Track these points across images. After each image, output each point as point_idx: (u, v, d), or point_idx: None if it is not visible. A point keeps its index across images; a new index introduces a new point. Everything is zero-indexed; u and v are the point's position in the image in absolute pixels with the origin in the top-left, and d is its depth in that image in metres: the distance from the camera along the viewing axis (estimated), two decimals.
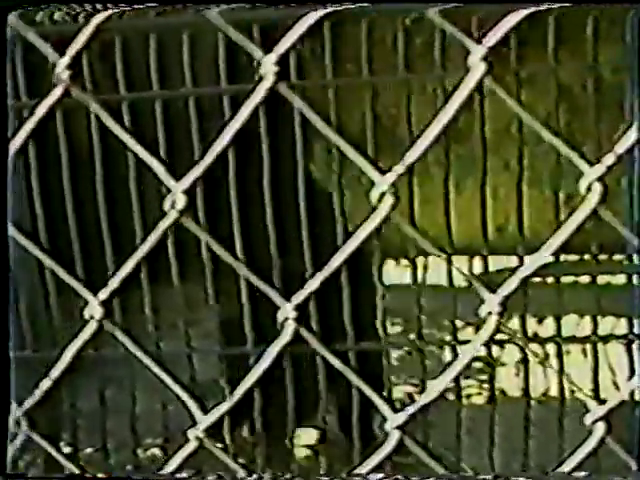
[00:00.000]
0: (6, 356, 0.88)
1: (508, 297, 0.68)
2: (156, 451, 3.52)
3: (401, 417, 0.72)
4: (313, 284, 0.71)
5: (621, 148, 0.65)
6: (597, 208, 0.65)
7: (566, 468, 0.70)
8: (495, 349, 3.26)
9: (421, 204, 2.85)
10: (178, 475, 0.80)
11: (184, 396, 0.75)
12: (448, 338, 3.23)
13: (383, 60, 2.98)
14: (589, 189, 0.66)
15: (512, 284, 0.68)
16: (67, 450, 3.18)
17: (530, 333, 3.58)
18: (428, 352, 3.34)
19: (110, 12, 0.72)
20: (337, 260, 0.70)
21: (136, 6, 0.84)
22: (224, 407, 0.75)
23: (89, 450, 3.51)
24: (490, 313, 0.69)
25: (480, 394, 3.92)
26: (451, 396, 3.32)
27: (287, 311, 0.72)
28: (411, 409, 0.71)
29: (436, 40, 2.82)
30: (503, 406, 3.29)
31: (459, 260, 3.47)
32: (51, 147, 2.72)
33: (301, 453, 3.58)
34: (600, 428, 0.71)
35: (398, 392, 3.67)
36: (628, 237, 0.72)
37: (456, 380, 3.13)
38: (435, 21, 0.63)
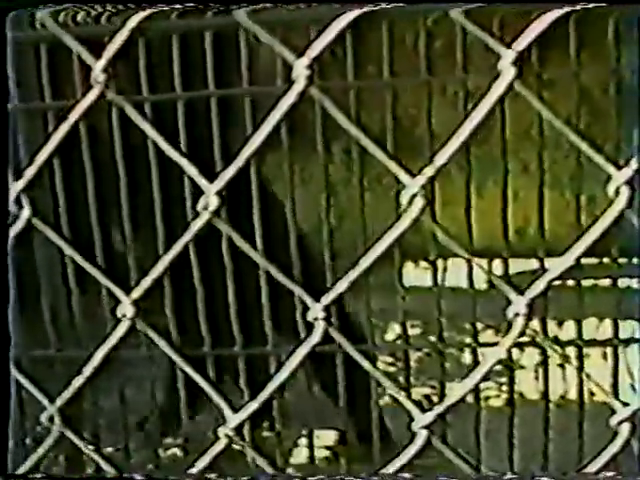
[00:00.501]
0: (6, 356, 0.89)
1: (535, 299, 0.69)
2: (177, 451, 3.53)
3: (428, 417, 0.72)
4: (342, 285, 0.72)
5: None
6: (624, 212, 0.66)
7: (592, 469, 0.71)
8: (515, 352, 3.26)
9: (442, 206, 2.85)
10: (201, 475, 0.81)
11: (213, 395, 0.75)
12: (468, 340, 3.23)
13: (404, 62, 2.98)
14: (617, 193, 0.67)
15: (539, 286, 0.69)
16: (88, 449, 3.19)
17: (550, 336, 3.57)
18: (448, 354, 3.34)
19: (143, 14, 0.73)
20: (366, 261, 0.70)
21: (160, 6, 0.85)
22: (253, 406, 0.76)
23: (110, 449, 3.53)
24: (517, 315, 0.70)
25: (499, 397, 3.92)
26: (470, 399, 3.32)
27: (316, 311, 0.73)
28: (438, 409, 0.72)
29: (458, 42, 2.82)
30: (522, 409, 3.28)
31: (479, 262, 3.47)
32: (78, 151, 2.74)
33: (321, 454, 3.59)
34: (625, 429, 0.71)
35: (416, 394, 3.67)
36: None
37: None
38: (460, 22, 0.64)
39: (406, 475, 0.76)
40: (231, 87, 2.88)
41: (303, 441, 3.55)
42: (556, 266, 0.69)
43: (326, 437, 3.68)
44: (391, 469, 0.73)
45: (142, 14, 0.71)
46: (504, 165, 3.13)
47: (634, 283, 3.88)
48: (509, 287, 0.70)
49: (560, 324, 4.35)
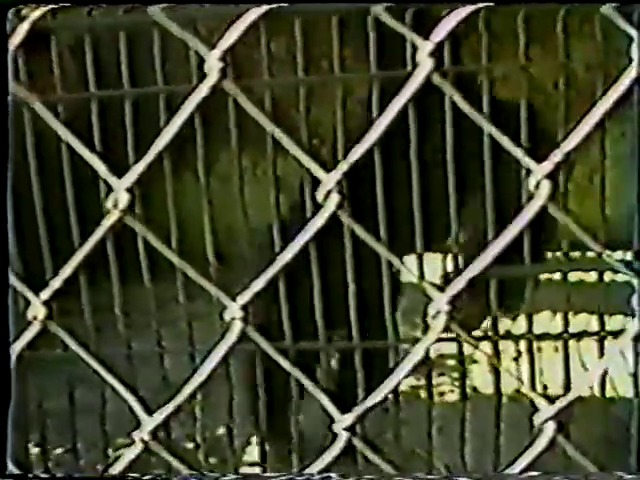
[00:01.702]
0: (6, 356, 0.86)
1: (456, 297, 0.68)
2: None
3: (349, 418, 0.71)
4: (260, 283, 0.70)
5: (568, 146, 0.64)
6: (546, 205, 0.65)
7: (515, 469, 0.69)
8: (467, 346, 3.25)
9: None
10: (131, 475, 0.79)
11: (128, 397, 0.73)
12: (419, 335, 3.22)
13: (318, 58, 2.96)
14: (537, 187, 0.65)
15: (459, 283, 0.67)
16: (35, 451, 3.15)
17: (503, 331, 3.58)
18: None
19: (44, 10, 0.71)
20: (285, 257, 0.69)
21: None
22: (169, 408, 0.74)
23: (59, 451, 3.49)
24: (439, 312, 0.68)
25: (452, 391, 3.92)
26: (423, 394, 3.31)
27: (233, 311, 0.71)
28: (359, 409, 0.70)
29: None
30: (475, 403, 3.29)
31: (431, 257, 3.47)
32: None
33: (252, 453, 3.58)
34: (550, 428, 0.70)
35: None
36: (581, 236, 0.71)
37: (428, 377, 3.12)
38: (381, 18, 0.62)
39: (333, 475, 0.75)
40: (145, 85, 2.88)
41: (254, 439, 3.53)
42: (477, 262, 0.68)
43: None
44: (314, 470, 0.71)
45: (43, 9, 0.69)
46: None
47: (585, 276, 3.91)
48: (430, 285, 0.68)
49: (514, 319, 4.36)
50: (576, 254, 3.29)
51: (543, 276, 3.86)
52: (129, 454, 0.76)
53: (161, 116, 2.76)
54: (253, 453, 3.54)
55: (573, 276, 3.29)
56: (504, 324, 3.77)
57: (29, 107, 0.69)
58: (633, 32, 0.72)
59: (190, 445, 3.39)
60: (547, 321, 4.22)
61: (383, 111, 0.62)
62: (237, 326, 0.71)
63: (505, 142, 0.65)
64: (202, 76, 0.67)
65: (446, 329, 0.68)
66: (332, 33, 2.76)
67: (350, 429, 0.70)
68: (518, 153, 0.65)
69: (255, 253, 3.06)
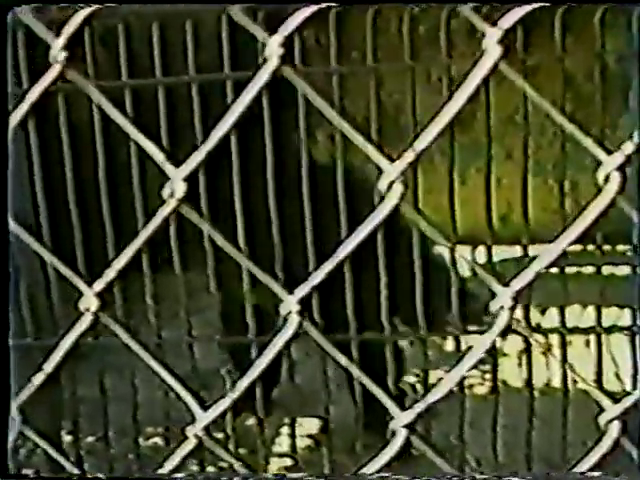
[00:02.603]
0: (6, 351, 0.85)
1: (521, 291, 0.66)
2: (158, 440, 3.50)
3: (409, 415, 0.69)
4: (317, 277, 0.68)
5: (637, 137, 0.62)
6: (616, 199, 0.62)
7: (581, 469, 0.67)
8: (498, 340, 3.23)
9: (425, 193, 2.81)
10: (176, 475, 0.78)
11: (182, 392, 0.72)
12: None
13: (389, 48, 2.95)
14: (607, 179, 0.63)
15: (526, 277, 0.65)
16: (68, 439, 3.16)
17: (533, 324, 3.55)
18: (430, 342, 3.32)
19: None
20: (342, 252, 0.67)
21: None
22: (225, 403, 0.72)
23: (90, 439, 3.49)
24: (502, 307, 0.66)
25: (482, 385, 3.90)
26: (454, 387, 3.28)
27: (290, 304, 0.70)
28: (419, 407, 0.68)
29: (442, 28, 2.79)
30: (506, 397, 3.26)
31: (462, 250, 3.44)
32: (52, 131, 2.69)
33: (303, 443, 3.57)
34: (615, 429, 0.68)
35: (402, 383, 3.64)
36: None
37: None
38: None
39: (387, 474, 0.73)
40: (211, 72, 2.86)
41: (285, 430, 3.53)
42: (543, 256, 0.66)
43: (309, 425, 3.66)
44: (372, 469, 0.69)
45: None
46: (487, 151, 3.09)
47: (617, 270, 3.86)
48: (493, 278, 0.66)
49: (543, 312, 4.33)
50: (607, 247, 3.25)
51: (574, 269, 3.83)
52: (182, 450, 0.75)
53: (194, 104, 2.76)
54: (283, 444, 3.54)
55: (606, 269, 3.25)
56: (535, 317, 3.75)
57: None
58: None
59: (220, 435, 3.39)
60: (578, 314, 4.19)
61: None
62: (294, 320, 0.69)
63: (573, 130, 0.63)
64: (262, 61, 0.66)
65: (509, 325, 0.67)
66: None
67: (409, 427, 0.69)
68: (588, 143, 0.63)
69: None
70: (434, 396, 0.68)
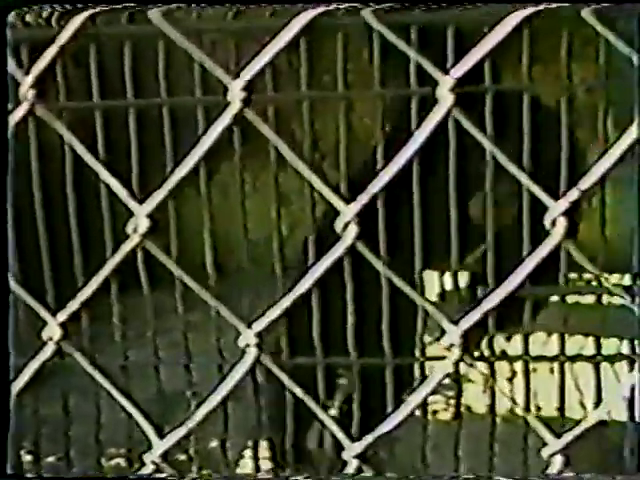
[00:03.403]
0: (6, 353, 0.87)
1: (470, 330, 0.68)
2: (121, 461, 3.49)
3: (360, 446, 0.71)
4: (275, 311, 0.70)
5: (585, 184, 0.65)
6: (563, 243, 0.65)
7: None
8: (463, 366, 3.25)
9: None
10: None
11: (140, 419, 0.73)
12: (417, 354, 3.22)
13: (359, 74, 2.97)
14: (554, 224, 0.66)
15: (474, 317, 0.68)
16: (28, 458, 3.15)
17: (498, 350, 3.58)
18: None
19: (77, 25, 0.71)
20: (302, 287, 0.69)
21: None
22: (182, 431, 0.74)
23: (51, 459, 3.48)
24: (452, 345, 0.69)
25: (446, 410, 3.92)
26: (417, 412, 3.31)
27: (248, 337, 0.72)
28: (370, 437, 0.71)
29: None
30: (469, 422, 3.29)
31: (429, 275, 3.48)
32: (22, 158, 2.68)
33: (265, 465, 3.58)
34: (558, 462, 0.70)
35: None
36: (592, 269, 0.71)
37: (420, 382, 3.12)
38: (400, 47, 0.63)
39: None
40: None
41: (248, 452, 3.53)
42: (492, 297, 0.68)
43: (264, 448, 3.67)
44: None
45: (76, 23, 0.69)
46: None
47: (582, 299, 3.90)
48: (442, 316, 0.68)
49: (508, 339, 4.36)
50: (573, 275, 3.29)
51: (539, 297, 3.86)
52: (141, 474, 0.76)
53: (165, 128, 2.77)
54: (246, 467, 3.54)
55: (570, 298, 3.29)
56: (499, 344, 3.78)
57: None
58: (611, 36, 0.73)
59: (183, 457, 3.39)
60: (542, 343, 4.22)
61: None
62: (252, 353, 0.71)
63: (523, 179, 0.65)
64: (225, 104, 0.68)
65: (458, 362, 0.69)
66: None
67: (360, 456, 0.71)
68: (536, 190, 0.65)
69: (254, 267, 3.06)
70: (386, 426, 0.71)
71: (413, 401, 0.70)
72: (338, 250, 0.67)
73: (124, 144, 2.73)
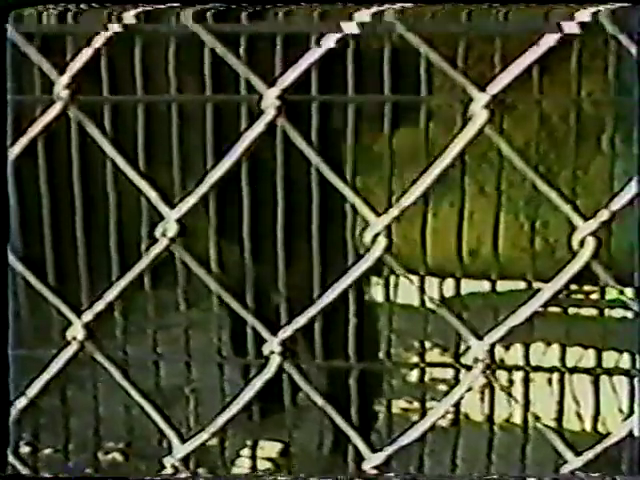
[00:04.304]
0: (5, 356, 0.87)
1: (494, 345, 0.68)
2: (117, 455, 3.49)
3: (379, 457, 0.71)
4: (301, 320, 0.70)
5: (616, 205, 0.65)
6: (590, 262, 0.65)
7: None
8: (462, 372, 3.26)
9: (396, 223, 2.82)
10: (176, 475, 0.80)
11: (162, 425, 0.74)
12: (415, 360, 3.23)
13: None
14: (582, 243, 0.66)
15: (499, 332, 0.68)
16: (26, 450, 3.14)
17: (497, 359, 3.58)
18: (395, 372, 3.35)
19: (112, 31, 0.72)
20: (327, 298, 0.69)
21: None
22: (203, 437, 0.74)
23: (49, 451, 3.48)
24: (477, 360, 0.69)
25: (444, 417, 3.92)
26: (415, 418, 3.31)
27: (272, 345, 0.72)
28: (390, 449, 0.71)
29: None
30: (466, 430, 3.29)
31: (431, 281, 3.48)
32: (46, 161, 2.68)
33: (263, 465, 3.58)
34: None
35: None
36: (615, 286, 0.71)
37: (422, 402, 3.13)
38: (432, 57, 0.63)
39: None
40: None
41: (246, 452, 3.53)
42: (518, 313, 0.68)
43: (270, 448, 3.67)
44: None
45: (110, 31, 0.69)
46: (460, 186, 3.12)
47: (583, 311, 3.91)
48: (469, 331, 0.69)
49: (507, 348, 4.37)
50: (574, 287, 3.30)
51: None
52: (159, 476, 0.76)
53: (173, 124, 2.76)
54: (243, 466, 3.54)
55: (572, 310, 3.30)
56: (498, 352, 3.78)
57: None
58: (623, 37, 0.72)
59: None
60: (541, 352, 4.22)
61: None
62: (275, 360, 0.71)
63: (553, 195, 0.65)
64: (259, 112, 0.68)
65: (483, 374, 0.69)
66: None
67: (378, 468, 0.71)
68: (566, 208, 0.65)
69: None
70: (407, 438, 0.71)
71: (435, 414, 0.70)
72: (367, 262, 0.67)
73: (162, 143, 2.73)
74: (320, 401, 0.72)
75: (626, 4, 0.86)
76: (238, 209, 2.74)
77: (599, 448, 0.69)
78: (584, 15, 0.67)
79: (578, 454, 0.69)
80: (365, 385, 3.36)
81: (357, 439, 0.72)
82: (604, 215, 0.65)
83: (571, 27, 0.66)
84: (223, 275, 2.77)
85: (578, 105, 3.01)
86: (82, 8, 2.25)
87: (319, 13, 1.73)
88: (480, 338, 0.69)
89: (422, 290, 2.88)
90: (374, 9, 0.68)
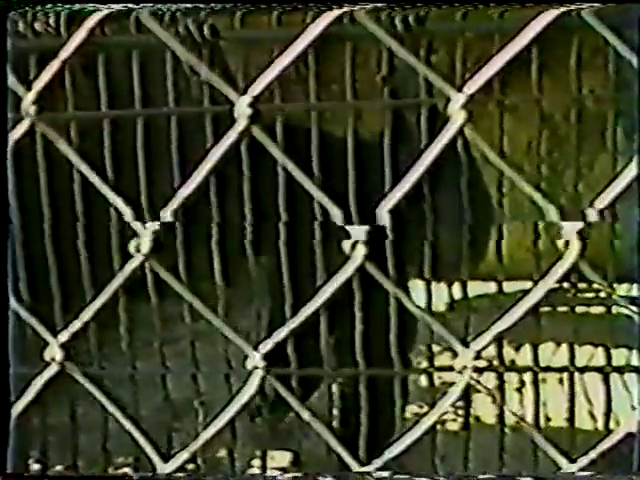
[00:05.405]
0: (5, 356, 0.85)
1: (481, 351, 0.66)
2: (128, 470, 3.48)
3: (375, 464, 0.70)
4: (281, 333, 0.69)
5: (602, 203, 0.63)
6: (577, 263, 0.63)
7: None
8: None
9: None
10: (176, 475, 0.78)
11: (143, 443, 0.72)
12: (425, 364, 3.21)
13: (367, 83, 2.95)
14: (567, 245, 0.64)
15: (486, 338, 0.66)
16: (36, 467, 3.14)
17: (507, 360, 3.56)
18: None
19: (81, 38, 0.70)
20: (309, 308, 0.67)
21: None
22: (184, 455, 0.73)
23: (59, 467, 3.47)
24: (465, 367, 0.67)
25: (455, 420, 3.90)
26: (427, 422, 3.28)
27: (255, 360, 0.70)
28: (379, 462, 0.69)
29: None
30: (477, 433, 3.27)
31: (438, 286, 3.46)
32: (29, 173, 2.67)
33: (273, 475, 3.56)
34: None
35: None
36: (602, 283, 0.70)
37: (432, 406, 3.11)
38: (415, 66, 0.61)
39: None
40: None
41: (256, 462, 3.52)
42: (504, 319, 0.67)
43: (280, 458, 3.66)
44: None
45: (78, 39, 0.68)
46: None
47: (592, 309, 3.89)
48: (454, 338, 0.67)
49: (517, 349, 4.35)
50: (582, 285, 3.27)
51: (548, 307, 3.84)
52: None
53: (172, 137, 2.75)
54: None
55: (580, 309, 3.28)
56: (508, 354, 3.76)
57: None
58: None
59: (191, 466, 3.37)
60: (551, 353, 4.20)
61: None
62: (258, 375, 0.70)
63: (538, 198, 0.64)
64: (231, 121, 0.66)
65: (468, 385, 0.67)
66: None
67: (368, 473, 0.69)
68: (551, 211, 0.64)
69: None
70: (395, 449, 0.69)
71: (424, 423, 0.69)
72: (346, 272, 0.65)
73: (129, 158, 2.72)
74: (307, 415, 0.71)
75: (615, 3, 0.84)
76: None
77: (593, 454, 0.67)
78: (551, 14, 0.66)
79: (572, 461, 0.67)
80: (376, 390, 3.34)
81: (343, 451, 0.70)
82: (592, 215, 0.63)
83: (541, 25, 0.64)
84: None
85: (580, 103, 2.99)
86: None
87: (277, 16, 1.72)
88: (466, 345, 0.67)
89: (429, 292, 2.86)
90: (344, 9, 0.67)
